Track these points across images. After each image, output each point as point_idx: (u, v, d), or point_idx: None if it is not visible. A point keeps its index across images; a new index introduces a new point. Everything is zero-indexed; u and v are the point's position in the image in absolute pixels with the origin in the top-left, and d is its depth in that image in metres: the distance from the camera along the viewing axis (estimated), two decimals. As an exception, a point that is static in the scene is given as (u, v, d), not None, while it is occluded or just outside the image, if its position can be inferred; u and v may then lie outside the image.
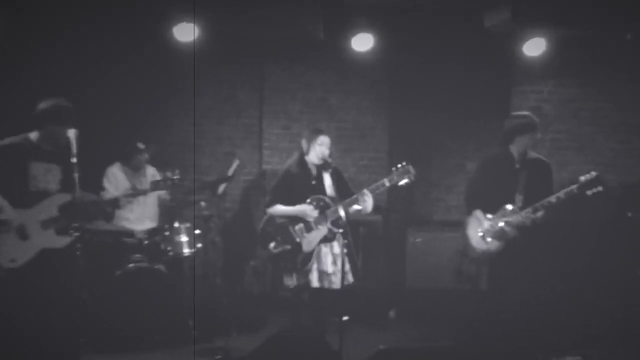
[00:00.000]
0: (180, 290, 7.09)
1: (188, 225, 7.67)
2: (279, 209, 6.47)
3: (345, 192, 6.44)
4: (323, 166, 6.49)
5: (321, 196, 6.44)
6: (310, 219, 6.37)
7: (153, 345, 6.84)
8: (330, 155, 6.49)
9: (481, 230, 6.40)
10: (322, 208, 6.39)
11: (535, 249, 6.37)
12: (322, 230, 6.37)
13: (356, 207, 6.24)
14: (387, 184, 6.20)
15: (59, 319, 5.71)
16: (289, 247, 6.39)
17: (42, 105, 5.68)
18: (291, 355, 5.41)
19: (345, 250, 6.17)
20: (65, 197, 5.69)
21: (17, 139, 5.69)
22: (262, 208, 6.84)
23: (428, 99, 9.26)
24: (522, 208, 6.18)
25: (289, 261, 6.39)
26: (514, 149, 6.39)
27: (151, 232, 7.46)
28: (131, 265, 6.95)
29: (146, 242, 7.28)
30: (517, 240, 6.23)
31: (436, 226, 8.97)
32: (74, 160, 5.40)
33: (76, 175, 5.41)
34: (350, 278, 6.47)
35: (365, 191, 6.23)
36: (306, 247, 6.38)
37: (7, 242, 5.54)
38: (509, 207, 6.25)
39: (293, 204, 6.44)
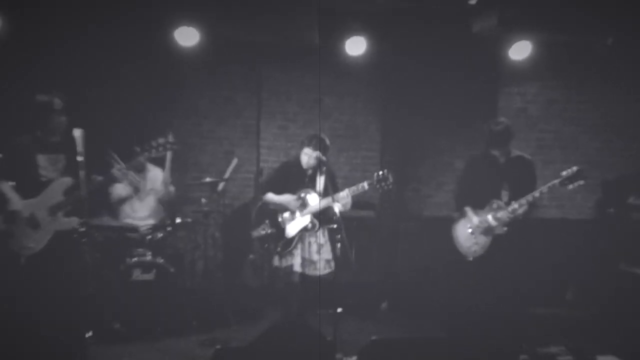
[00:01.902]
0: (181, 283, 7.11)
1: (189, 220, 7.70)
2: (270, 196, 6.84)
3: (333, 191, 6.57)
4: (318, 168, 6.73)
5: (310, 189, 6.75)
6: (295, 209, 6.71)
7: (156, 336, 6.86)
8: (323, 161, 6.67)
9: (470, 226, 6.44)
10: (308, 201, 6.72)
11: (522, 244, 6.41)
12: (305, 220, 6.68)
13: (337, 204, 6.42)
14: (367, 187, 6.40)
15: (66, 311, 5.78)
16: (274, 230, 6.78)
17: (37, 99, 5.94)
18: (287, 346, 5.43)
19: (339, 245, 6.25)
20: (68, 181, 5.91)
21: (25, 136, 5.90)
22: (258, 196, 7.21)
23: (419, 100, 9.28)
24: (507, 203, 6.23)
25: (273, 244, 6.80)
26: (496, 152, 6.44)
27: (154, 228, 7.47)
28: (134, 259, 6.98)
29: (149, 237, 7.30)
30: (505, 236, 6.28)
31: (426, 221, 9.02)
32: (80, 158, 5.45)
33: (82, 172, 5.46)
34: (332, 265, 6.74)
35: (346, 191, 6.42)
36: (288, 233, 6.73)
37: (21, 232, 5.79)
38: (496, 203, 6.30)
39: (286, 193, 6.79)
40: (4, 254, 5.86)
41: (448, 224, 6.80)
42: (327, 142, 6.73)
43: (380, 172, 6.35)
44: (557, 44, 8.64)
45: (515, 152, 6.53)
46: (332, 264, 6.76)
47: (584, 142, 9.25)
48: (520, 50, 8.39)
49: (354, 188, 6.41)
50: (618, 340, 6.94)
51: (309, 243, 6.74)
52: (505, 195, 6.32)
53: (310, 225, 6.69)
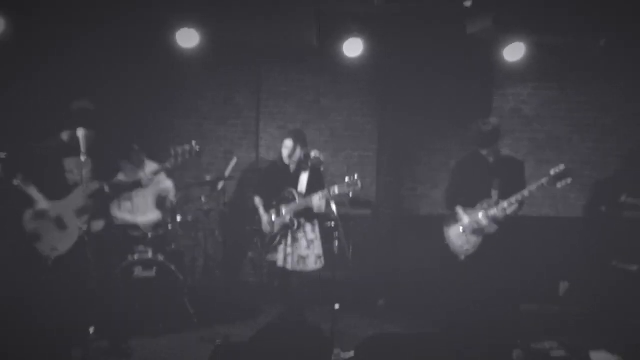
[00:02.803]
0: (182, 280, 7.11)
1: (189, 219, 7.70)
2: (257, 203, 7.10)
3: (317, 189, 6.74)
4: (301, 166, 6.91)
5: (291, 189, 6.87)
6: (267, 228, 6.94)
7: (157, 332, 6.88)
8: (304, 155, 6.89)
9: (461, 225, 6.45)
10: (289, 200, 6.85)
11: (513, 243, 6.41)
12: (286, 218, 6.81)
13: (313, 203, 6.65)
14: (337, 191, 6.46)
15: (70, 307, 5.80)
16: (261, 227, 6.98)
17: (71, 107, 5.87)
18: (286, 341, 5.44)
19: (336, 243, 6.28)
20: (95, 185, 5.92)
21: (51, 140, 5.88)
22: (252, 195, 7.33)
23: (415, 100, 9.29)
24: (497, 202, 6.24)
25: (260, 239, 7.07)
26: (484, 152, 6.44)
27: (155, 226, 7.48)
28: (135, 256, 6.99)
29: (150, 235, 7.31)
30: (496, 234, 6.28)
31: (423, 220, 9.03)
32: (83, 158, 5.44)
33: (85, 171, 5.45)
34: (322, 261, 6.91)
35: (319, 194, 6.56)
36: (272, 230, 6.90)
37: (48, 234, 5.80)
38: (486, 202, 6.30)
39: (272, 192, 6.99)
40: (32, 256, 5.87)
41: (443, 222, 6.81)
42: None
43: (350, 178, 6.43)
44: (550, 45, 8.64)
45: (505, 152, 6.54)
46: (322, 259, 6.90)
47: (577, 142, 9.25)
48: (514, 52, 8.39)
49: (325, 192, 6.51)
50: (610, 335, 6.95)
51: (297, 239, 6.80)
52: (495, 194, 6.32)
53: (291, 224, 6.79)
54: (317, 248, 6.86)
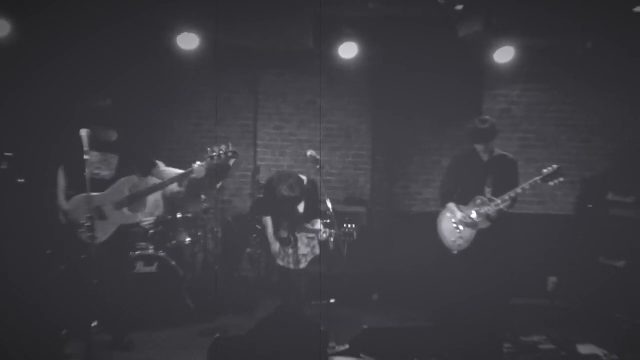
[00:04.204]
0: (182, 275, 7.11)
1: (189, 216, 7.70)
2: (267, 222, 6.83)
3: (314, 210, 6.75)
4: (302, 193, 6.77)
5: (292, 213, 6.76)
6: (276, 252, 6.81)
7: (158, 326, 6.87)
8: (317, 160, 6.71)
9: (455, 221, 6.45)
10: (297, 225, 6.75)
11: (505, 239, 6.41)
12: (285, 234, 6.74)
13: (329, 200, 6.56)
14: (332, 239, 6.43)
15: (73, 303, 5.82)
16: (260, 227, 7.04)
17: (87, 105, 5.99)
18: (283, 335, 5.44)
19: (332, 239, 6.27)
20: (134, 179, 6.07)
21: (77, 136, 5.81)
22: (255, 204, 7.41)
23: (408, 101, 9.29)
24: (490, 199, 6.24)
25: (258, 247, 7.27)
26: (479, 149, 6.44)
27: (156, 223, 7.47)
28: (137, 252, 6.99)
29: (151, 231, 7.30)
30: (488, 230, 6.28)
31: (415, 217, 9.03)
32: (86, 157, 5.42)
33: (87, 171, 5.43)
34: (308, 259, 6.81)
35: (321, 225, 6.56)
36: (271, 241, 6.84)
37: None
38: (479, 199, 6.30)
39: (276, 211, 6.76)
40: (74, 242, 5.98)
41: (436, 219, 6.81)
42: (305, 181, 6.70)
43: (346, 226, 6.39)
44: (539, 48, 8.66)
45: (499, 151, 6.53)
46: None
47: (564, 142, 9.28)
48: (504, 54, 8.41)
49: (325, 229, 6.45)
50: (597, 329, 6.97)
51: (298, 240, 6.78)
52: (488, 191, 6.32)
53: (287, 241, 6.74)
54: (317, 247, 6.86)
